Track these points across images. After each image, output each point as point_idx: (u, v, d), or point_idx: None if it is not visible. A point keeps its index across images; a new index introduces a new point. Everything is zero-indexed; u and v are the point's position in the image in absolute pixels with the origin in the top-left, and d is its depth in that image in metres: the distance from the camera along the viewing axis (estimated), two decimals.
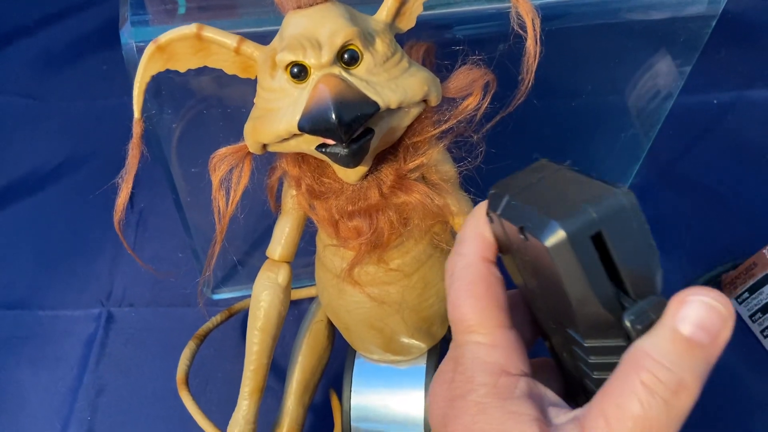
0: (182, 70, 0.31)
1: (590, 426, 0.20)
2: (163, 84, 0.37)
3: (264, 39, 0.31)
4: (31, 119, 0.68)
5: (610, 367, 0.21)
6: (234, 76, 0.32)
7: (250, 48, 0.30)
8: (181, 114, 0.40)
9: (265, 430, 0.40)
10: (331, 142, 0.28)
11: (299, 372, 0.41)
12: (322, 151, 0.28)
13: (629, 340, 0.21)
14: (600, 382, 0.21)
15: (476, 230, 0.25)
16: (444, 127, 0.31)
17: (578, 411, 0.22)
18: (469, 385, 0.23)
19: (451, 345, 0.25)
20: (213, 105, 0.39)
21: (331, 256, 0.35)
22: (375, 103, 0.27)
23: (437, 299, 0.37)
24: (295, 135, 0.28)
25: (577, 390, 0.26)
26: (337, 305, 0.37)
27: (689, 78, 0.46)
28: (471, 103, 0.31)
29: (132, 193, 0.32)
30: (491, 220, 0.24)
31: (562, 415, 0.22)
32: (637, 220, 0.20)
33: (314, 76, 0.27)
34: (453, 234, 0.36)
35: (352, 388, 0.40)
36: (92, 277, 0.56)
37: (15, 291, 0.55)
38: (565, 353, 0.25)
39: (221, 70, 0.31)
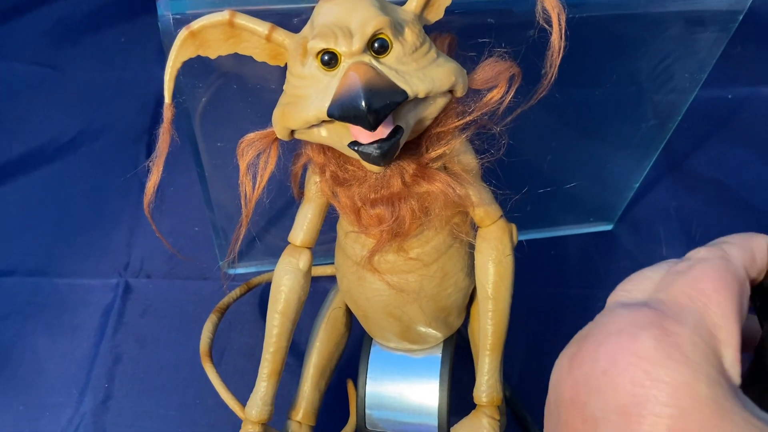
0: (213, 56, 0.31)
1: None
2: (194, 57, 0.37)
3: (292, 18, 0.31)
4: (49, 88, 0.68)
5: None
6: None
7: (281, 36, 0.30)
8: (210, 88, 0.40)
9: (281, 413, 0.40)
10: (363, 141, 0.28)
11: (316, 357, 0.41)
12: (354, 149, 0.29)
13: None
14: None
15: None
16: (468, 119, 0.32)
17: None
18: None
19: None
20: (241, 80, 0.39)
21: (352, 243, 0.35)
22: (404, 92, 0.28)
23: (455, 290, 0.37)
24: (324, 122, 0.29)
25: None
26: (356, 292, 0.37)
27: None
28: (496, 95, 0.32)
29: (149, 166, 0.32)
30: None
31: None
32: None
33: (344, 63, 0.28)
34: (473, 225, 0.36)
35: (368, 376, 0.40)
36: (110, 248, 0.56)
37: (33, 258, 0.55)
38: None
39: None
